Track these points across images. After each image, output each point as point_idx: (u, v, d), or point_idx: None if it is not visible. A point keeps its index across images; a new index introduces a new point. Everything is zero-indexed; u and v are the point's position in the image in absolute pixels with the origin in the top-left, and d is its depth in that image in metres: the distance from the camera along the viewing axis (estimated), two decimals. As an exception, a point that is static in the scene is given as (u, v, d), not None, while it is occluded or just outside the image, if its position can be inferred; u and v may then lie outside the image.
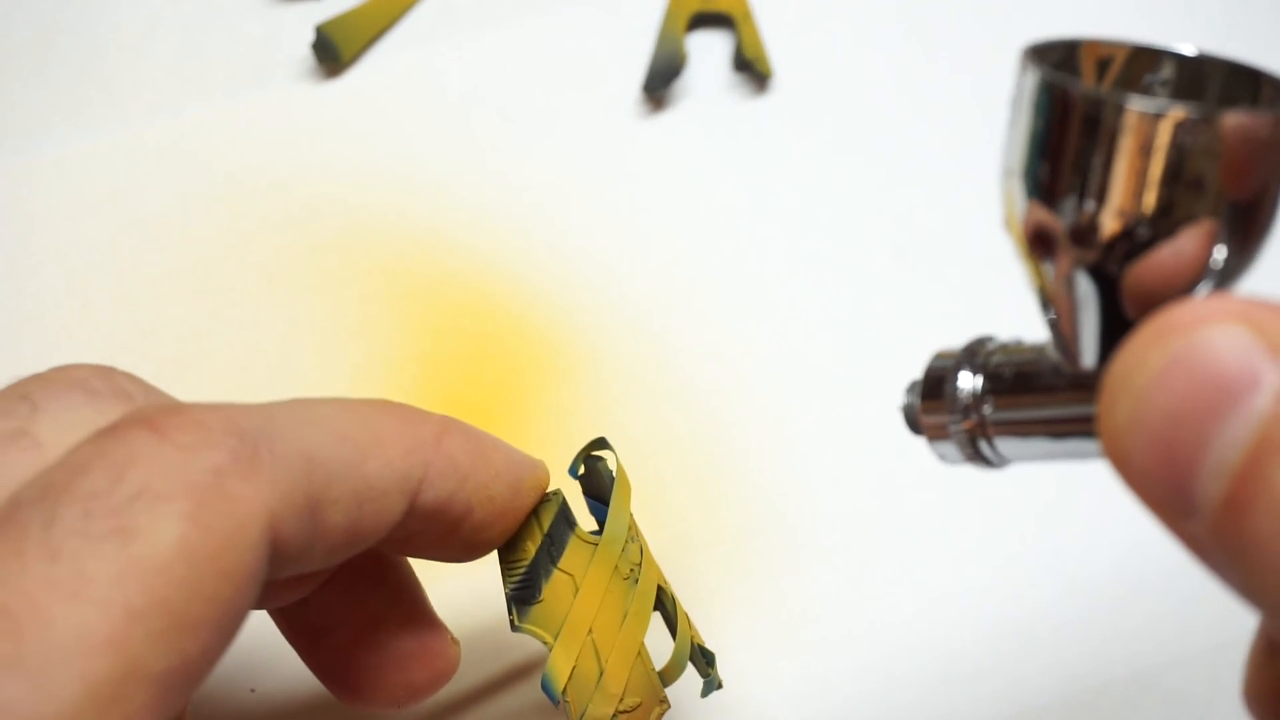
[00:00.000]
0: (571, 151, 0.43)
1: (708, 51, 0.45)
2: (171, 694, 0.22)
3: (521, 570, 0.29)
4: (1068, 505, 0.36)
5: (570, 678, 0.29)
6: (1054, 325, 0.23)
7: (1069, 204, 0.21)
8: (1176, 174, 0.20)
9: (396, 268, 0.41)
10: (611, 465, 0.31)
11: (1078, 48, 0.23)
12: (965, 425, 0.25)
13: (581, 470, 0.31)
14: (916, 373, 0.26)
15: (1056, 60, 0.23)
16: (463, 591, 0.34)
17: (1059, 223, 0.21)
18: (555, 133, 0.43)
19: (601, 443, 0.31)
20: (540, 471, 0.30)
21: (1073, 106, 0.21)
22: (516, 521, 0.29)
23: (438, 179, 0.42)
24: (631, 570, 0.30)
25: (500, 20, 0.46)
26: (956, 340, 0.38)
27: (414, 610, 0.30)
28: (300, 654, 0.30)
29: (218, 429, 0.23)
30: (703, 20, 0.45)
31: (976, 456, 0.25)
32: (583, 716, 0.29)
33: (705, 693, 0.31)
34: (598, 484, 0.31)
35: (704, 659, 0.31)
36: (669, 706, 0.30)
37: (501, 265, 0.41)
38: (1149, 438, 0.19)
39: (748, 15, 0.45)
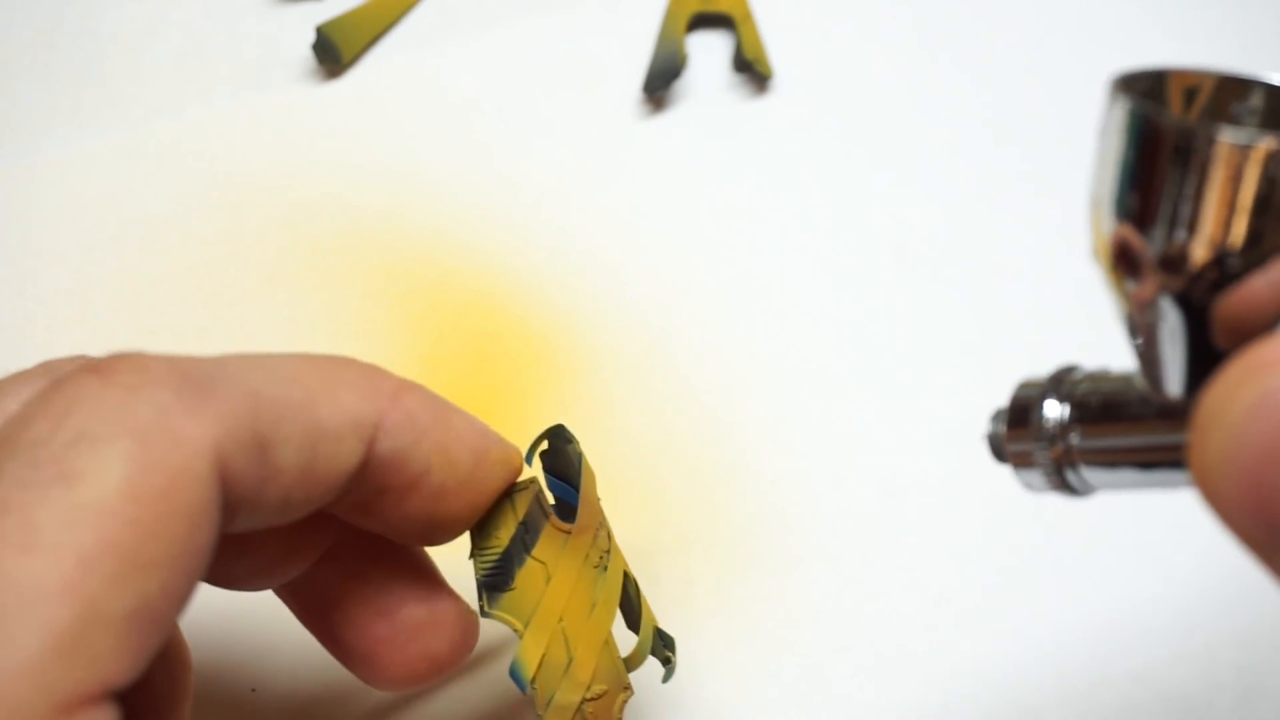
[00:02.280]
0: (572, 152, 0.43)
1: (708, 52, 0.45)
2: (138, 636, 0.22)
3: (495, 557, 0.29)
4: (1068, 504, 0.36)
5: (540, 666, 0.29)
6: (1141, 354, 0.23)
7: (1158, 233, 0.21)
8: (1267, 204, 0.20)
9: (397, 268, 0.41)
10: (579, 453, 0.30)
11: (1165, 77, 0.23)
12: (1052, 454, 0.25)
13: (543, 448, 0.30)
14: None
15: (1144, 89, 0.23)
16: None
17: (1148, 252, 0.21)
18: (555, 133, 0.43)
19: (561, 430, 0.30)
20: (510, 451, 0.29)
21: (1163, 137, 0.21)
22: (482, 497, 0.29)
23: (438, 179, 0.42)
24: (601, 558, 0.30)
25: (500, 21, 0.46)
26: (955, 340, 0.39)
27: (423, 578, 0.30)
28: (317, 635, 0.30)
29: (162, 370, 0.23)
30: (703, 21, 0.45)
31: (1063, 485, 0.25)
32: (549, 704, 0.29)
33: (666, 678, 0.31)
34: (563, 465, 0.30)
35: (664, 645, 0.31)
36: (632, 693, 0.30)
37: (501, 265, 0.41)
38: (1242, 474, 0.19)
39: (748, 16, 0.45)
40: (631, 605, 0.31)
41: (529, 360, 0.39)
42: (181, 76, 0.44)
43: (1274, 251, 0.20)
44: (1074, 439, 0.24)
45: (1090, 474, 0.25)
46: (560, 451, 0.30)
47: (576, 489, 0.30)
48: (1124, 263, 0.22)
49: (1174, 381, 0.22)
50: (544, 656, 0.29)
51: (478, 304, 0.40)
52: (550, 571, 0.29)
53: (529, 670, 0.29)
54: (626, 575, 0.31)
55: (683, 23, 0.44)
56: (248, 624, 0.34)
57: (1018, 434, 0.25)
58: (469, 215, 0.42)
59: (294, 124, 0.43)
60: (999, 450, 0.26)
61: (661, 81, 0.43)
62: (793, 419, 0.38)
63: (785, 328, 0.40)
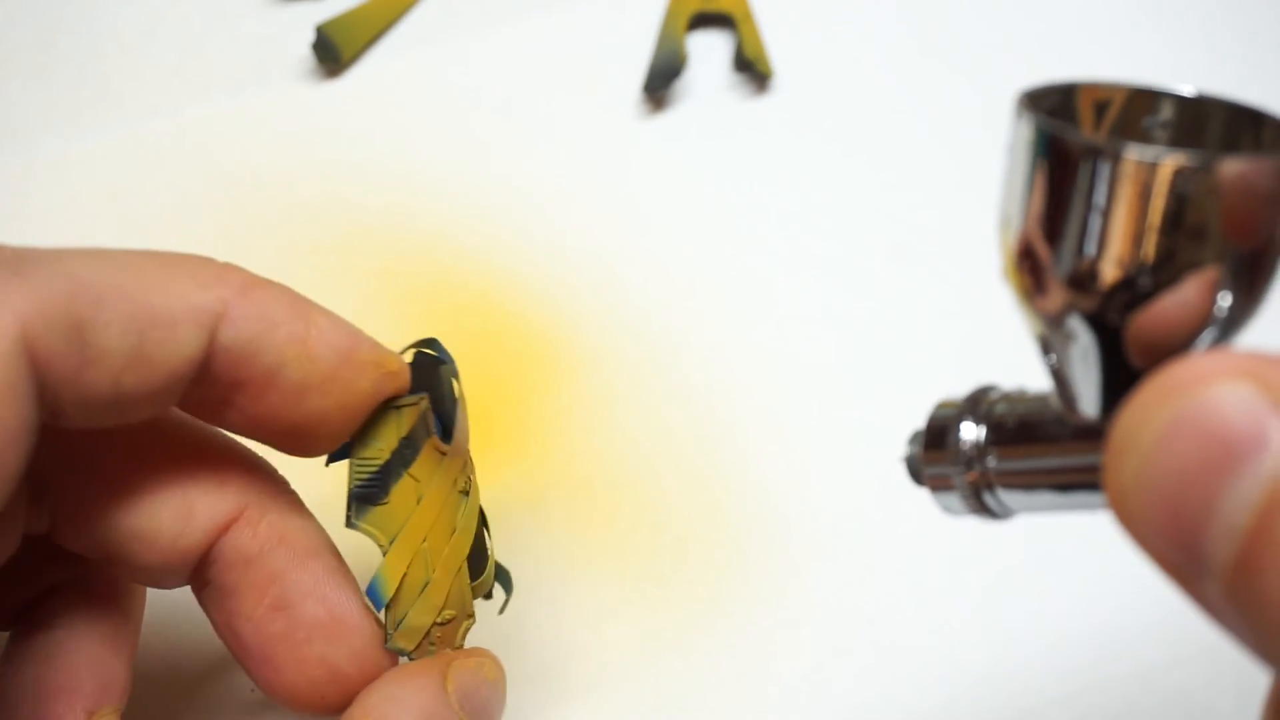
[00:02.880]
0: (572, 151, 0.43)
1: (708, 51, 0.45)
2: None
3: (373, 469, 0.29)
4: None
5: (399, 585, 0.29)
6: (1056, 375, 0.22)
7: (1067, 253, 0.21)
8: (1176, 222, 0.20)
9: (396, 267, 0.41)
10: (453, 374, 0.30)
11: (1075, 91, 0.23)
12: (969, 477, 0.24)
13: (409, 358, 0.30)
14: (919, 417, 0.26)
15: (1053, 105, 0.23)
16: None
17: (1058, 272, 0.21)
18: (556, 132, 0.43)
19: (432, 342, 0.30)
20: (386, 356, 0.29)
21: (1069, 155, 0.21)
22: (351, 398, 0.28)
23: (438, 178, 0.42)
24: (466, 483, 0.30)
25: (500, 20, 0.46)
26: (954, 340, 0.39)
27: (330, 578, 0.29)
28: (221, 636, 0.29)
29: None
30: (703, 20, 0.45)
31: (981, 508, 0.25)
32: (400, 625, 0.29)
33: (503, 609, 0.31)
34: (433, 387, 0.30)
35: (504, 577, 0.31)
36: (475, 621, 0.30)
37: (501, 265, 0.41)
38: (1156, 498, 0.19)
39: (748, 15, 0.45)
40: (481, 535, 0.30)
41: (529, 360, 0.39)
42: (181, 76, 0.44)
43: (1185, 270, 0.20)
44: (990, 462, 0.24)
45: (1008, 497, 0.24)
46: (429, 370, 0.30)
47: (449, 412, 0.29)
48: (1033, 283, 0.22)
49: (1088, 402, 0.22)
50: (404, 576, 0.29)
51: (477, 303, 0.40)
52: (422, 491, 0.29)
53: (390, 586, 0.29)
54: (481, 506, 0.30)
55: (683, 22, 0.44)
56: None
57: (934, 457, 0.25)
58: (469, 215, 0.42)
59: (294, 123, 0.43)
60: (916, 473, 0.26)
61: (662, 81, 0.43)
62: (793, 419, 0.38)
63: (785, 327, 0.40)
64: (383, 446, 0.29)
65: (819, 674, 0.34)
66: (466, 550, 0.30)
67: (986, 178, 0.42)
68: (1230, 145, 0.22)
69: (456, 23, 0.46)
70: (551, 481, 0.37)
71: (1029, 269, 0.22)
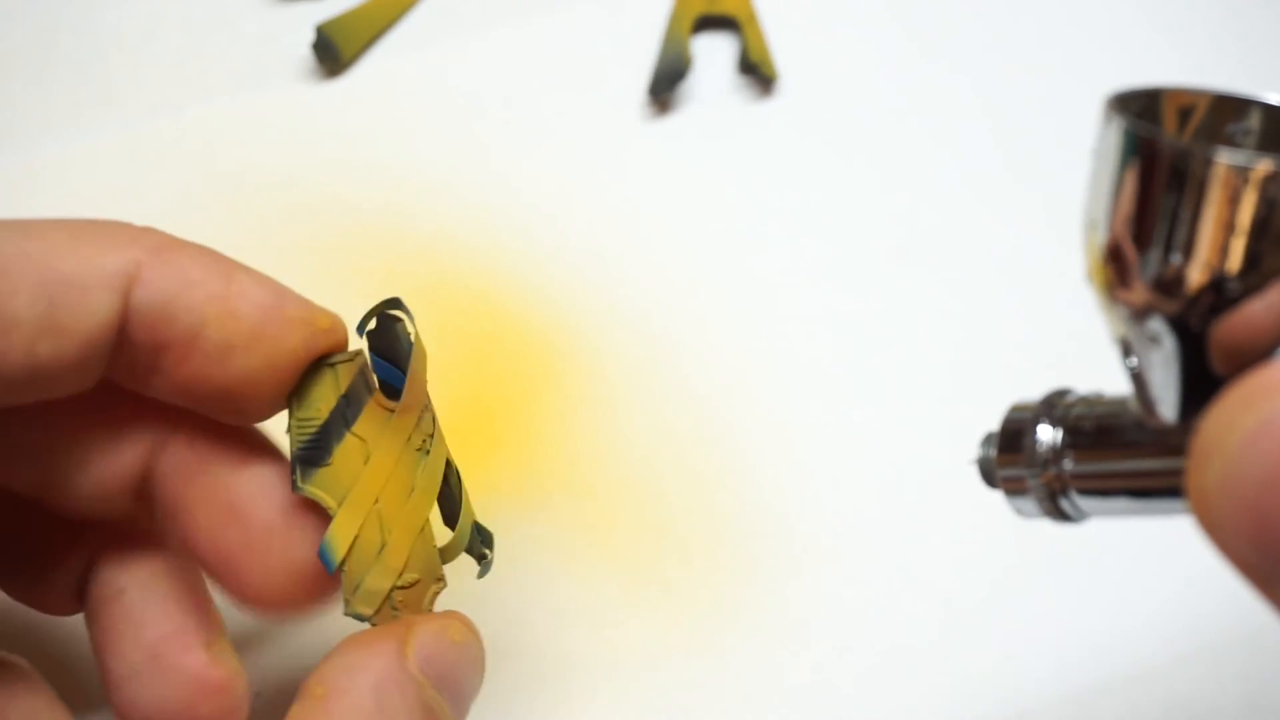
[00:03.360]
0: (574, 152, 0.43)
1: (713, 54, 0.45)
2: None
3: (312, 430, 0.28)
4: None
5: (351, 548, 0.28)
6: (1136, 378, 0.22)
7: (1154, 257, 0.21)
8: (1265, 227, 0.20)
9: (397, 268, 0.40)
10: (410, 330, 0.29)
11: (1160, 96, 0.23)
12: (1044, 480, 0.24)
13: (372, 326, 0.29)
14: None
15: (1138, 109, 0.23)
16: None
17: (1144, 275, 0.21)
18: (558, 133, 0.43)
19: (396, 303, 0.29)
20: (316, 313, 0.28)
21: (1159, 158, 0.21)
22: (280, 357, 0.28)
23: (439, 179, 0.42)
24: (424, 442, 0.29)
25: (502, 20, 0.45)
26: (957, 343, 0.38)
27: (269, 476, 0.28)
28: (193, 552, 0.29)
29: None
30: (708, 23, 0.45)
31: (1055, 512, 0.25)
32: (358, 589, 0.28)
33: (481, 574, 0.30)
34: (391, 345, 0.29)
35: (482, 540, 0.30)
36: (445, 585, 0.29)
37: (503, 266, 0.40)
38: (1240, 503, 0.19)
39: (752, 18, 0.44)
40: (452, 496, 0.29)
41: (530, 362, 0.39)
42: (182, 76, 0.44)
43: (1272, 275, 0.20)
44: (1067, 465, 0.24)
45: (1084, 501, 0.24)
46: (389, 329, 0.29)
47: (404, 369, 0.29)
48: (1118, 286, 0.22)
49: (1169, 407, 0.22)
50: (356, 538, 0.28)
51: (479, 305, 0.40)
52: (370, 450, 0.28)
53: (340, 550, 0.28)
54: (449, 464, 0.29)
55: (688, 24, 0.44)
56: (253, 632, 0.34)
57: (1009, 459, 0.25)
58: (470, 216, 0.41)
59: (294, 124, 0.43)
60: (990, 476, 0.26)
61: (667, 84, 0.43)
62: (795, 421, 0.38)
63: (788, 330, 0.40)
64: (321, 406, 0.28)
65: (821, 674, 0.34)
66: (427, 511, 0.29)
67: (990, 181, 0.42)
68: None
69: (457, 23, 0.45)
70: (553, 483, 0.37)
71: (1115, 271, 0.22)
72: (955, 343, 0.39)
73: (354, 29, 0.45)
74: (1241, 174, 0.20)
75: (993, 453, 0.25)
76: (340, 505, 0.28)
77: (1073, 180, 0.40)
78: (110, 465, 0.28)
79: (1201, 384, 0.21)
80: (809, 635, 0.35)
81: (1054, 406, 0.25)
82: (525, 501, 0.36)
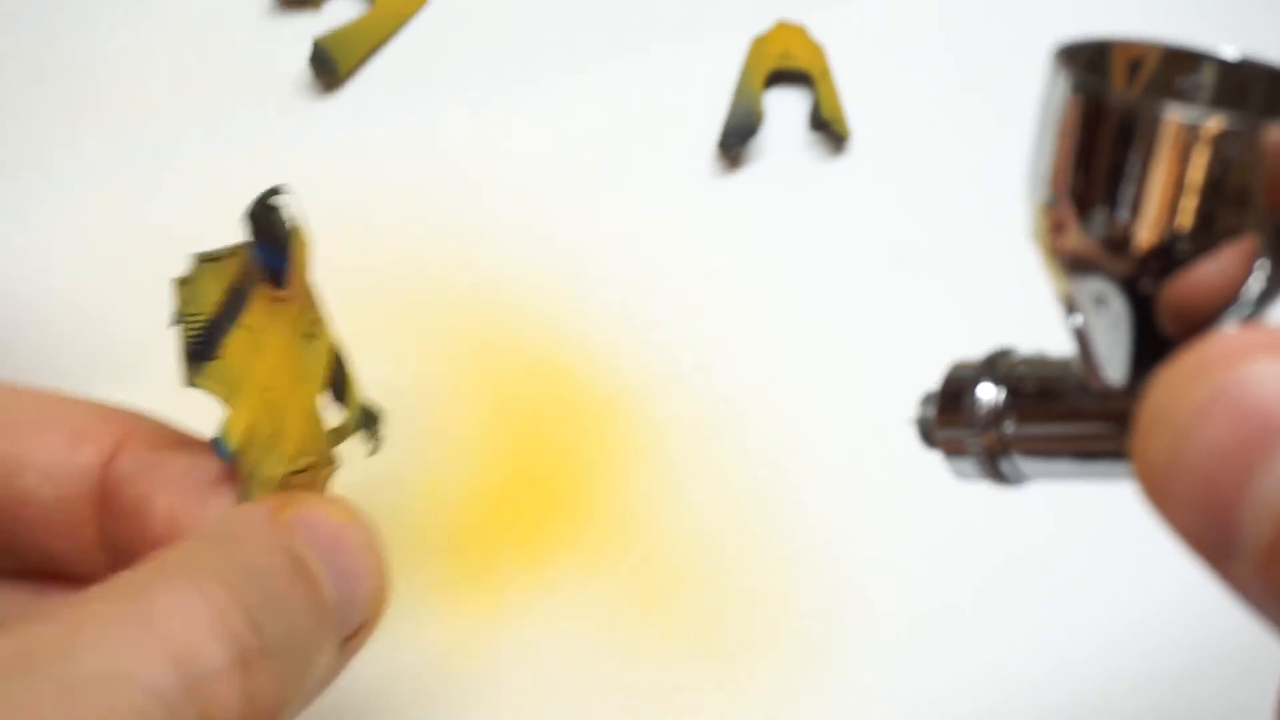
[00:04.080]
0: (641, 206, 0.42)
1: (785, 109, 0.44)
2: None
3: (201, 324, 0.28)
4: (1071, 512, 0.35)
5: (244, 437, 0.28)
6: (1081, 338, 0.22)
7: (1100, 216, 0.20)
8: (1217, 188, 0.19)
9: (415, 288, 0.40)
10: (290, 216, 0.29)
11: (1109, 49, 0.22)
12: (985, 441, 0.24)
13: (251, 213, 0.29)
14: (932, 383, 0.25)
15: (1086, 61, 0.22)
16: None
17: (1091, 236, 0.20)
18: (625, 185, 0.43)
19: (276, 190, 0.29)
20: None
21: (1107, 114, 0.20)
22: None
23: (488, 220, 0.42)
24: (311, 327, 0.29)
25: (559, 67, 0.45)
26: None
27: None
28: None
29: None
30: (780, 77, 0.44)
31: (995, 474, 0.24)
32: (252, 477, 0.28)
33: (371, 452, 0.30)
34: (270, 229, 0.29)
35: (372, 419, 0.30)
36: (337, 466, 0.29)
37: (552, 314, 0.40)
38: (1188, 476, 0.18)
39: (826, 74, 0.44)
40: (340, 378, 0.29)
41: (593, 428, 0.38)
42: (178, 89, 0.44)
43: (1224, 236, 0.19)
44: (1008, 427, 0.23)
45: (1025, 463, 0.23)
46: (270, 215, 0.29)
47: (282, 253, 0.28)
48: (1063, 246, 0.21)
49: (1115, 369, 0.21)
50: (250, 427, 0.28)
51: (535, 363, 0.39)
52: (259, 340, 0.28)
53: (234, 440, 0.28)
54: (336, 347, 0.30)
55: (760, 79, 0.44)
56: None
57: (949, 418, 0.24)
58: (510, 260, 0.41)
59: (291, 137, 0.43)
60: (929, 435, 0.25)
61: (737, 139, 0.43)
62: (865, 498, 0.37)
63: (861, 397, 0.39)
64: (206, 301, 0.28)
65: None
66: (315, 395, 0.29)
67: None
68: (1273, 111, 0.21)
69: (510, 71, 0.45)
70: (614, 553, 0.36)
71: (1059, 231, 0.21)
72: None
73: (351, 43, 0.45)
74: (1192, 131, 0.19)
75: (932, 412, 0.25)
76: (232, 396, 0.28)
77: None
78: (73, 462, 0.28)
79: (1150, 346, 0.20)
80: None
81: (996, 366, 0.24)
82: (586, 571, 0.36)
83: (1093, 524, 0.35)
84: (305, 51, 0.45)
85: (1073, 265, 0.21)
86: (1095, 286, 0.21)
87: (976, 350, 0.38)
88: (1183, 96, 0.22)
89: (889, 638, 0.35)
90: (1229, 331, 0.19)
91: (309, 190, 0.42)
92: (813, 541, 0.36)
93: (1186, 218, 0.20)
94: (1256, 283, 0.20)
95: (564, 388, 0.39)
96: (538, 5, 0.46)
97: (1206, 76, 0.22)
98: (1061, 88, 0.21)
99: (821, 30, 0.45)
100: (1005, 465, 0.24)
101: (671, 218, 0.42)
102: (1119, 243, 0.20)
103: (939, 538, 0.36)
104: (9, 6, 0.46)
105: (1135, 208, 0.20)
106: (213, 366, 0.28)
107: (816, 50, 0.44)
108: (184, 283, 0.28)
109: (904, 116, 0.44)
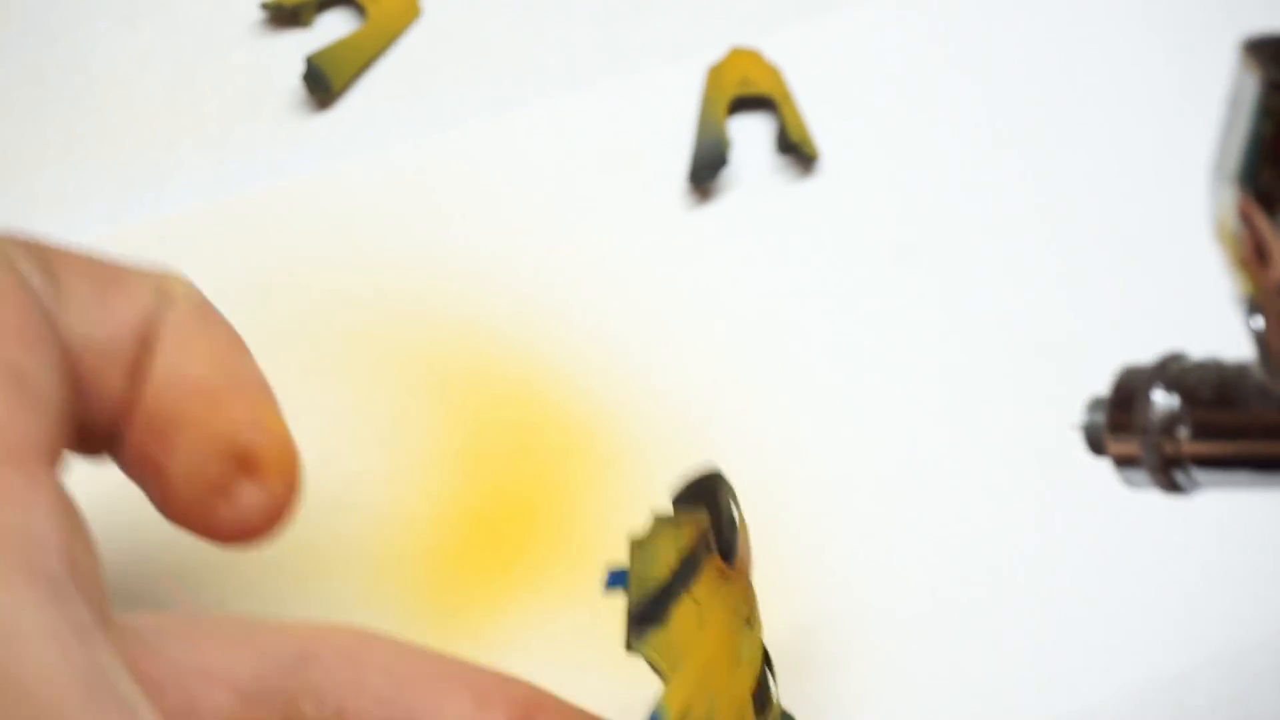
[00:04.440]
0: (616, 234, 0.42)
1: (750, 135, 0.44)
2: None
3: (653, 587, 0.27)
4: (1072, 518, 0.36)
5: (682, 715, 0.26)
6: (1262, 341, 0.21)
7: None
8: None
9: (407, 332, 0.40)
10: (732, 494, 0.29)
11: None
12: (1161, 449, 0.23)
13: (682, 493, 0.29)
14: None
15: (1275, 53, 0.21)
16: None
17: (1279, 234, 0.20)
18: (594, 221, 0.42)
19: (716, 474, 0.29)
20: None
21: None
22: None
23: (466, 255, 0.41)
24: (750, 612, 0.28)
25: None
26: (1020, 446, 0.37)
27: None
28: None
29: None
30: (741, 104, 0.44)
31: (1169, 484, 0.23)
32: None
33: None
34: (707, 500, 0.29)
35: None
36: None
37: (537, 351, 0.40)
38: None
39: (788, 97, 0.44)
40: (764, 680, 0.28)
41: (569, 453, 0.38)
42: (172, 107, 0.44)
43: None
44: (1182, 433, 0.23)
45: (1200, 473, 0.23)
46: (710, 491, 0.29)
47: (726, 532, 0.28)
48: (1250, 246, 0.20)
49: None
50: (686, 707, 0.26)
51: (514, 391, 0.39)
52: (705, 615, 0.27)
53: (672, 717, 0.26)
54: (763, 645, 0.29)
55: (723, 107, 0.44)
56: None
57: (1121, 425, 0.23)
58: (484, 288, 0.41)
59: (285, 157, 0.43)
60: (1097, 444, 0.24)
61: (708, 172, 0.42)
62: (840, 515, 0.37)
63: (835, 420, 0.39)
64: (662, 563, 0.27)
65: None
66: (752, 684, 0.28)
67: (1041, 259, 0.41)
68: None
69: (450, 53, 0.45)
70: (591, 578, 0.36)
71: (1247, 231, 0.20)
72: (1013, 427, 0.38)
73: (345, 59, 0.45)
74: None
75: (1101, 418, 0.24)
76: (674, 670, 0.27)
77: (1134, 258, 0.41)
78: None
79: None
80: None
81: (1168, 370, 0.23)
82: (568, 600, 0.36)
83: (1088, 530, 0.36)
84: (298, 68, 0.44)
85: (1259, 267, 0.20)
86: None
87: (970, 356, 0.39)
88: None
89: (864, 665, 0.35)
90: None
91: (302, 209, 0.42)
92: (788, 566, 0.36)
93: None
94: None
95: (540, 416, 0.39)
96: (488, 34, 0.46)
97: None
98: (1250, 83, 0.20)
99: (775, 53, 0.45)
100: (1180, 475, 0.23)
101: (647, 253, 0.42)
102: None
103: (922, 559, 0.36)
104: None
105: None
106: (657, 634, 0.27)
107: (775, 74, 0.44)
108: (641, 543, 0.28)
109: (870, 133, 0.44)
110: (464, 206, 0.43)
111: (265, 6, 0.46)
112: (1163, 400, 0.23)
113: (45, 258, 0.24)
